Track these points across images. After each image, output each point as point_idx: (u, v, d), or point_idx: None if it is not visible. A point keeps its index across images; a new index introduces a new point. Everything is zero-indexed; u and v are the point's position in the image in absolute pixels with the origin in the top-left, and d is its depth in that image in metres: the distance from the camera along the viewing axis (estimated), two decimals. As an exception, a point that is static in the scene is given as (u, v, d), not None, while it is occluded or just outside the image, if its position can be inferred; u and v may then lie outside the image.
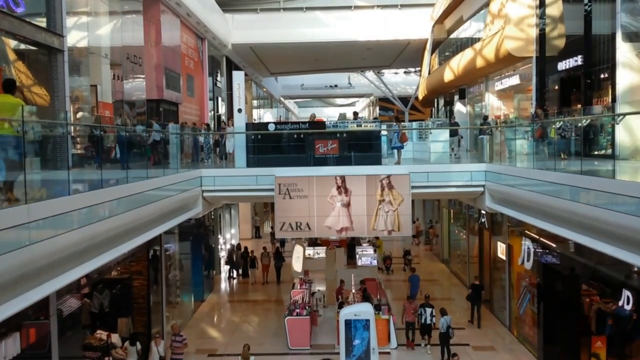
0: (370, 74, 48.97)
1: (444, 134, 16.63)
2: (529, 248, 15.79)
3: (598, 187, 8.89)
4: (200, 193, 15.07)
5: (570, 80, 18.30)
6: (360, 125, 16.27)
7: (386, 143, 17.23)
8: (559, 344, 14.41)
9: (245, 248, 25.85)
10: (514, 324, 17.25)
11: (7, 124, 6.91)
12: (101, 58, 17.13)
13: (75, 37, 14.85)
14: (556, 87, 19.53)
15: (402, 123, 17.57)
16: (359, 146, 15.72)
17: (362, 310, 13.72)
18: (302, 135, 15.45)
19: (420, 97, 34.37)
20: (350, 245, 25.25)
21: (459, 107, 28.84)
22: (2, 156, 6.73)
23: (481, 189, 14.93)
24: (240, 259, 24.95)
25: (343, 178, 14.62)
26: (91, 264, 8.78)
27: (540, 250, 15.03)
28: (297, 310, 16.55)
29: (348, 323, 13.43)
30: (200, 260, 21.45)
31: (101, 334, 14.27)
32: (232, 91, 17.10)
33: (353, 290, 17.90)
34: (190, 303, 19.72)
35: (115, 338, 14.28)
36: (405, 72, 50.17)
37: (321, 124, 16.47)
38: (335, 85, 50.67)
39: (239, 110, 15.91)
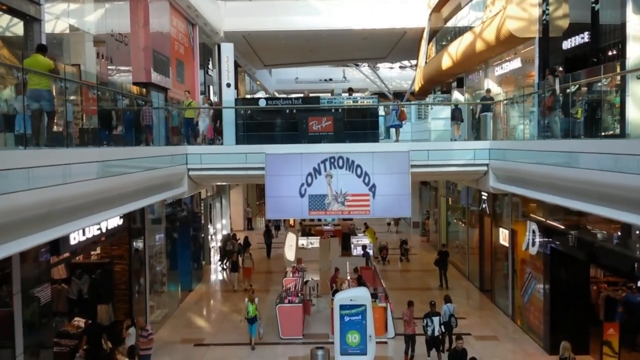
0: (365, 69, 47.96)
1: (445, 111, 15.76)
2: (534, 232, 14.93)
3: (616, 149, 7.90)
4: (185, 171, 14.20)
5: (576, 59, 17.28)
6: (357, 102, 15.36)
7: (383, 123, 16.24)
8: (567, 333, 13.49)
9: (246, 238, 24.52)
10: (517, 313, 16.50)
11: (44, 80, 8.08)
12: (84, 34, 16.03)
13: (54, 9, 13.78)
14: (560, 69, 18.58)
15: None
16: (355, 124, 15.07)
17: (358, 294, 12.81)
18: (294, 111, 14.72)
19: (417, 89, 33.40)
20: (345, 235, 24.40)
21: (456, 95, 27.91)
22: (36, 107, 7.86)
23: (484, 168, 14.18)
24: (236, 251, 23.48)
25: (341, 156, 13.72)
26: (53, 232, 7.70)
27: (546, 238, 14.17)
28: (289, 298, 15.72)
29: (343, 308, 12.52)
30: (188, 250, 20.71)
31: (79, 321, 13.40)
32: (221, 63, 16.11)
33: (348, 277, 17.22)
34: (177, 292, 18.96)
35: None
36: (400, 67, 49.26)
37: (315, 100, 15.64)
38: (330, 79, 49.66)
39: (228, 85, 15.02)
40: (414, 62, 39.69)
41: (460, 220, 23.52)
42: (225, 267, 23.37)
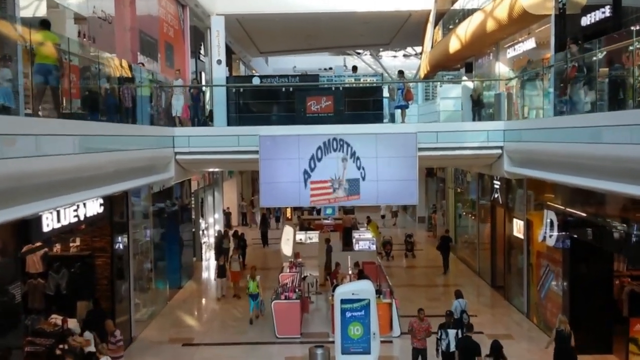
0: (367, 57, 47.48)
1: (456, 90, 15.34)
2: (551, 222, 14.47)
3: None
4: (172, 155, 13.77)
5: (597, 36, 16.79)
6: (359, 80, 14.98)
7: (387, 105, 15.79)
8: (588, 330, 13.03)
9: (242, 235, 23.96)
10: (533, 310, 16.09)
11: (51, 55, 8.60)
12: (65, 11, 15.51)
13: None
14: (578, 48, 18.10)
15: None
16: (358, 103, 14.86)
17: (360, 288, 12.37)
18: (291, 90, 14.40)
19: (422, 76, 32.92)
20: (347, 229, 24.21)
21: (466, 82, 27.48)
22: (42, 80, 8.36)
23: (499, 151, 13.77)
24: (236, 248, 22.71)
25: (342, 139, 13.38)
26: (22, 210, 7.22)
27: (565, 228, 13.75)
28: (286, 294, 15.28)
29: (345, 302, 12.09)
30: (177, 245, 20.37)
31: (56, 318, 12.95)
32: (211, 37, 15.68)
33: (350, 272, 16.95)
34: (164, 290, 18.57)
35: (72, 324, 12.91)
36: (404, 56, 48.85)
37: (314, 78, 15.38)
38: (330, 68, 49.23)
39: (219, 62, 14.63)
40: (418, 49, 39.20)
41: (470, 214, 23.14)
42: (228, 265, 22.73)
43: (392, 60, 48.58)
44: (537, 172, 12.16)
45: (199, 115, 15.17)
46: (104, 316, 12.95)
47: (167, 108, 14.74)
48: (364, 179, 13.36)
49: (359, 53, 46.75)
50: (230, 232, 24.29)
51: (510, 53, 22.77)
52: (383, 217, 32.57)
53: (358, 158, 13.21)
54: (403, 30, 34.10)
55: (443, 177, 28.22)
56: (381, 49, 46.66)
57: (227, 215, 29.48)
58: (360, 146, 13.24)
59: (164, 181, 14.41)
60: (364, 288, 12.38)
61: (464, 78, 26.60)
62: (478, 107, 15.79)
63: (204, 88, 18.93)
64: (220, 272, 18.92)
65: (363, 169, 13.26)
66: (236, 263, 19.22)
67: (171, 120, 15.00)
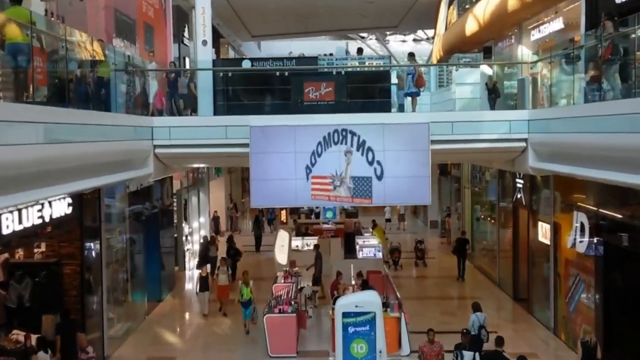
0: (373, 42, 47.39)
1: (473, 75, 15.25)
2: (582, 225, 14.39)
3: None
4: (151, 149, 13.66)
5: (634, 13, 16.69)
6: (364, 63, 15.04)
7: (395, 93, 15.72)
8: (624, 347, 12.91)
9: (231, 237, 23.80)
10: (560, 326, 16.02)
11: (20, 33, 8.67)
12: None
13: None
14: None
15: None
16: (362, 90, 14.88)
17: (365, 299, 12.31)
18: (286, 75, 14.40)
19: (435, 61, 32.81)
20: (349, 235, 24.24)
21: (483, 68, 27.39)
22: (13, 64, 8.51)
23: (522, 143, 13.67)
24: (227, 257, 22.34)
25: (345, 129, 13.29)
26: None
27: (598, 232, 13.67)
28: (280, 307, 15.19)
29: (347, 316, 12.05)
30: (157, 252, 20.33)
31: (18, 334, 12.85)
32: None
33: (353, 282, 16.88)
34: (142, 303, 18.52)
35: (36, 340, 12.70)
36: (414, 40, 48.85)
37: (312, 61, 15.40)
38: (331, 54, 49.21)
39: (204, 43, 14.56)
40: (430, 33, 39.10)
41: (489, 217, 23.13)
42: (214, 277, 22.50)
43: (401, 46, 48.54)
44: (566, 167, 12.02)
45: (176, 104, 15.10)
46: (75, 329, 12.84)
47: (145, 97, 14.62)
48: (379, 178, 13.25)
49: (362, 37, 46.73)
50: (218, 239, 24.17)
51: (535, 35, 22.62)
52: (388, 220, 32.62)
53: (370, 150, 13.09)
54: (413, 11, 33.92)
55: (458, 176, 28.19)
56: (388, 33, 46.55)
57: (215, 220, 29.40)
58: (364, 138, 13.15)
59: (141, 178, 14.24)
60: (369, 300, 12.32)
61: (483, 69, 26.65)
62: (494, 97, 15.80)
63: (188, 74, 18.94)
64: (203, 284, 18.40)
65: (378, 163, 13.16)
66: (224, 275, 18.62)
67: (149, 110, 14.89)
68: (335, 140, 13.24)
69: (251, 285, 16.50)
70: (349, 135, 13.20)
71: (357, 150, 13.15)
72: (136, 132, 12.70)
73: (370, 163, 13.25)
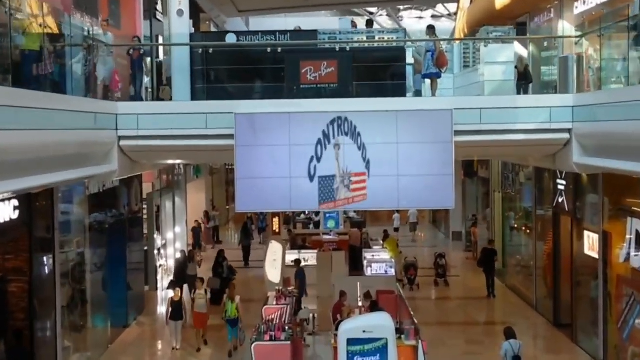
0: (383, 19, 47.50)
1: (506, 52, 15.40)
2: (638, 233, 14.29)
3: None
4: (115, 140, 13.52)
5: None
6: (374, 38, 15.60)
7: (412, 74, 15.77)
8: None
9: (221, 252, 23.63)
10: (612, 356, 15.92)
11: None
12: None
13: None
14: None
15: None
16: (372, 71, 14.98)
17: (375, 323, 12.25)
18: (279, 52, 14.39)
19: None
20: (354, 248, 24.44)
21: (516, 48, 27.42)
22: None
23: (566, 135, 13.55)
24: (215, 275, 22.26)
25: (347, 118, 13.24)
26: None
27: None
28: (272, 333, 15.09)
29: (353, 343, 12.01)
30: (123, 269, 20.34)
31: None
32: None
33: (360, 304, 16.94)
34: (105, 328, 18.52)
35: None
36: (433, 17, 49.02)
37: (311, 35, 15.39)
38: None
39: (180, 13, 14.57)
40: (452, 8, 39.11)
41: (524, 227, 23.15)
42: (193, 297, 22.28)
43: (417, 23, 48.72)
44: (618, 163, 11.86)
45: (138, 87, 15.09)
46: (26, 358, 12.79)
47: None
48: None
49: (371, 13, 46.86)
50: (199, 254, 24.01)
51: (579, 8, 22.57)
52: (397, 230, 32.69)
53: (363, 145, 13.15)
54: (432, -20, 34.11)
55: (486, 177, 28.18)
56: (402, 7, 46.60)
57: (195, 230, 29.25)
58: (371, 127, 13.12)
59: (103, 177, 14.09)
60: (380, 324, 12.26)
61: (516, 48, 26.72)
62: (525, 83, 15.82)
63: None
64: (174, 311, 17.75)
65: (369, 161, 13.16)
66: (202, 300, 18.24)
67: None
68: (340, 130, 13.19)
69: (237, 301, 16.75)
70: (354, 125, 13.15)
71: (355, 141, 13.18)
72: (97, 120, 12.53)
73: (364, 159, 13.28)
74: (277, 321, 15.94)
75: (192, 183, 30.32)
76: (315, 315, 18.97)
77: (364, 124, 13.13)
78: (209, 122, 13.42)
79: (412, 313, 16.77)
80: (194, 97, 14.44)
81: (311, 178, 13.20)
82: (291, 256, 23.44)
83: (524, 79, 15.84)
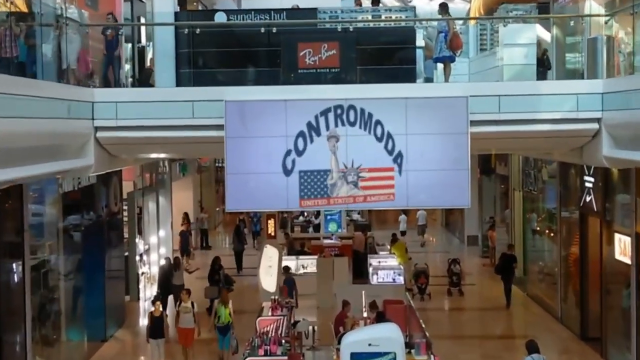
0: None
1: (528, 33, 15.67)
2: None
3: None
4: (91, 131, 13.41)
5: None
6: (381, 17, 15.61)
7: (422, 59, 15.97)
8: None
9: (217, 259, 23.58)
10: None
11: None
12: None
13: None
14: None
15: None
16: (378, 54, 14.81)
17: (381, 335, 12.20)
18: (274, 32, 14.28)
19: (473, 23, 32.75)
20: (358, 254, 24.67)
21: (538, 30, 27.48)
22: None
23: (595, 125, 13.45)
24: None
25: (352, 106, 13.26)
26: None
27: None
28: (267, 347, 15.07)
29: (357, 357, 11.98)
30: (101, 277, 20.47)
31: None
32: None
33: (365, 315, 17.06)
34: (81, 343, 18.58)
35: None
36: (444, -4, 49.00)
37: (310, 13, 15.48)
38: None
39: None
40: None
41: (548, 230, 23.16)
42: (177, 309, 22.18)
43: (427, 4, 48.63)
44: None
45: (116, 73, 15.18)
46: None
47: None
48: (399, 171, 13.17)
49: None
50: (187, 261, 23.99)
51: (608, -16, 22.65)
52: (403, 233, 32.79)
53: (389, 134, 13.09)
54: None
55: (505, 175, 28.22)
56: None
57: (183, 235, 29.20)
58: (378, 118, 13.08)
59: (78, 172, 14.05)
60: (387, 336, 12.21)
61: (539, 31, 26.78)
62: (543, 69, 15.86)
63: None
64: (155, 328, 17.45)
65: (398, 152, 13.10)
66: (188, 314, 17.86)
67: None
68: (350, 119, 13.19)
69: (230, 306, 17.00)
70: (359, 113, 13.13)
71: (369, 132, 13.10)
72: (71, 108, 12.42)
73: (391, 152, 13.14)
74: (273, 334, 15.95)
75: (177, 182, 30.39)
76: (315, 327, 18.88)
77: (372, 113, 13.12)
78: (196, 110, 13.37)
79: (423, 325, 16.87)
80: (180, 83, 14.45)
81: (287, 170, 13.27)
82: (288, 262, 23.55)
83: (542, 66, 15.89)
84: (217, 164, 39.01)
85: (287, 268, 21.11)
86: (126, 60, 18.20)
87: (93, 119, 13.36)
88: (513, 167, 26.75)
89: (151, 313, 17.74)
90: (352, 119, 13.16)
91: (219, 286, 21.54)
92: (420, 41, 16.21)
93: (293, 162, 13.19)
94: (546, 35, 26.70)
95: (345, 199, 13.42)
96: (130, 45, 22.04)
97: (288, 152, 13.21)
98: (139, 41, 25.59)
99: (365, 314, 17.41)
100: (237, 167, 13.29)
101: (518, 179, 26.16)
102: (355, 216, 34.40)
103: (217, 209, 38.32)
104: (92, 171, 14.04)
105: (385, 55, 14.80)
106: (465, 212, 32.32)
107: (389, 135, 13.12)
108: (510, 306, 22.38)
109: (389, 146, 13.17)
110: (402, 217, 33.63)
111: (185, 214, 32.04)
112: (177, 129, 13.56)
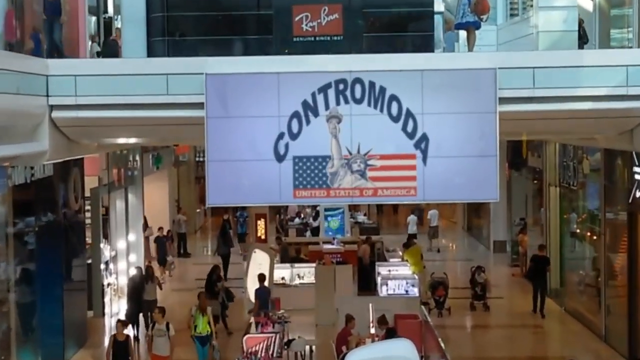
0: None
1: None
2: None
3: None
4: (45, 110, 13.36)
5: None
6: None
7: (442, 26, 15.70)
8: None
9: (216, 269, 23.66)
10: None
11: None
12: None
13: None
14: None
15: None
16: (387, 19, 15.03)
17: (391, 354, 12.14)
18: None
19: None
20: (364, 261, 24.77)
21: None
22: None
23: None
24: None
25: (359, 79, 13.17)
26: None
27: None
28: None
29: None
30: (59, 289, 20.55)
31: None
32: None
33: (372, 332, 17.09)
34: None
35: None
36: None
37: None
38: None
39: None
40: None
41: (589, 233, 23.22)
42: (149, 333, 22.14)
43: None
44: None
45: (57, 40, 15.09)
46: None
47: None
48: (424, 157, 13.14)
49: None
50: (163, 272, 23.94)
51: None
52: (414, 237, 32.44)
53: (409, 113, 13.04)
54: None
55: (539, 168, 28.25)
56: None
57: (160, 241, 29.11)
58: (393, 93, 12.99)
59: (29, 159, 13.91)
60: (398, 354, 12.13)
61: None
62: (580, 43, 15.97)
63: None
64: (118, 355, 17.21)
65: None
66: (162, 338, 17.65)
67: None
68: (356, 96, 13.10)
69: (209, 313, 17.57)
70: (368, 88, 13.04)
71: (382, 111, 12.98)
72: (20, 82, 12.31)
73: (412, 134, 13.04)
74: (262, 354, 16.14)
75: (150, 176, 30.51)
76: (313, 347, 19.13)
77: (385, 87, 13.05)
78: (170, 86, 13.33)
79: (442, 344, 16.99)
80: (152, 54, 14.58)
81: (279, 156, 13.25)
82: (282, 271, 23.50)
83: (578, 38, 15.99)
84: (197, 158, 38.93)
85: (262, 276, 20.91)
86: (91, 36, 18.21)
87: (47, 95, 13.33)
88: (549, 158, 26.74)
89: (114, 336, 17.48)
90: (358, 95, 13.08)
91: (218, 299, 21.55)
92: (439, 5, 16.32)
93: (286, 146, 13.15)
94: (589, 5, 26.89)
95: (349, 192, 13.35)
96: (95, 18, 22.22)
97: (280, 136, 13.18)
98: (105, 12, 25.72)
99: (372, 331, 17.42)
100: (219, 153, 13.26)
101: (554, 173, 26.15)
102: (361, 217, 34.34)
103: (198, 210, 38.29)
104: (46, 158, 13.96)
105: (397, 20, 14.98)
106: (491, 213, 32.34)
107: (409, 114, 13.01)
108: (542, 317, 22.39)
109: (409, 127, 13.06)
110: (412, 217, 33.53)
111: (144, 219, 31.17)
112: (149, 108, 13.53)
